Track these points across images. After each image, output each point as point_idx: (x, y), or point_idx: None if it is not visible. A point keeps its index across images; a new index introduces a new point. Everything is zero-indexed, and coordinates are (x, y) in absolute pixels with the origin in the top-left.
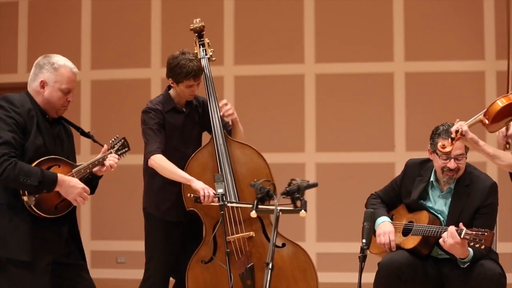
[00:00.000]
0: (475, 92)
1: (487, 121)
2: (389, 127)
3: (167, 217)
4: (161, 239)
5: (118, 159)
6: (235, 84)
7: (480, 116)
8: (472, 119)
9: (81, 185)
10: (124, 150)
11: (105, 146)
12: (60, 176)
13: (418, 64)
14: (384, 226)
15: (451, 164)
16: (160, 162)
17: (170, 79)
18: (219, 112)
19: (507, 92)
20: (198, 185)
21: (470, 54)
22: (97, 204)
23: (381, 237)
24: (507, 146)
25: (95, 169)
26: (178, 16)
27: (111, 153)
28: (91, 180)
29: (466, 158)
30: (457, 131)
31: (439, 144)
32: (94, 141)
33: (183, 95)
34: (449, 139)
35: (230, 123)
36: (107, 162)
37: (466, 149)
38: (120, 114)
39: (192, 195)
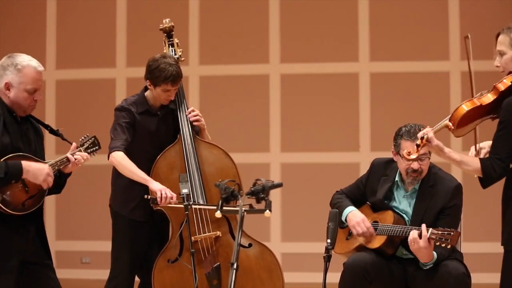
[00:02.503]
0: (440, 93)
1: (452, 126)
2: (354, 127)
3: (133, 216)
4: (128, 239)
5: (87, 157)
6: (200, 84)
7: (445, 121)
8: (438, 125)
9: (46, 165)
10: (94, 149)
11: (74, 144)
12: (24, 162)
13: (383, 65)
14: (354, 215)
15: (415, 165)
16: (120, 160)
17: (148, 81)
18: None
19: (472, 96)
20: (155, 186)
21: (435, 54)
22: (62, 205)
23: (357, 227)
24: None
25: (62, 166)
26: (143, 16)
27: (80, 151)
28: (58, 178)
29: (429, 158)
30: (422, 138)
31: (405, 151)
32: (63, 139)
33: (159, 98)
34: (415, 146)
35: (198, 128)
36: (72, 158)
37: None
38: (85, 114)
39: (149, 196)
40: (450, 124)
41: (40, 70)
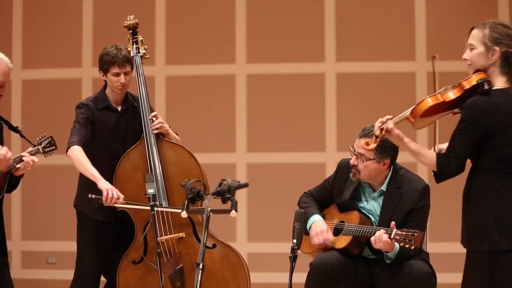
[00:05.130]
0: (406, 93)
1: (413, 120)
2: (320, 127)
3: (97, 217)
4: (92, 239)
5: (46, 155)
6: (166, 84)
7: (406, 113)
8: (398, 116)
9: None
10: (51, 148)
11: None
12: None
13: (349, 65)
14: (316, 226)
15: (353, 159)
16: (76, 154)
17: (100, 72)
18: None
19: (435, 91)
20: (103, 185)
21: (401, 55)
22: (28, 205)
23: (315, 238)
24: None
25: (18, 165)
26: (109, 15)
27: (38, 149)
28: (9, 179)
29: (364, 161)
30: (382, 129)
31: (362, 141)
32: (22, 136)
33: (112, 86)
34: (374, 137)
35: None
36: (28, 157)
37: (377, 156)
38: (51, 114)
39: (93, 196)
40: (411, 117)
41: (10, 66)
